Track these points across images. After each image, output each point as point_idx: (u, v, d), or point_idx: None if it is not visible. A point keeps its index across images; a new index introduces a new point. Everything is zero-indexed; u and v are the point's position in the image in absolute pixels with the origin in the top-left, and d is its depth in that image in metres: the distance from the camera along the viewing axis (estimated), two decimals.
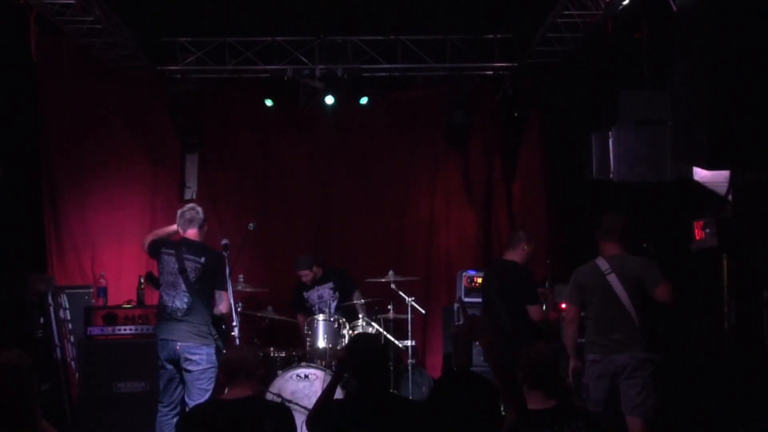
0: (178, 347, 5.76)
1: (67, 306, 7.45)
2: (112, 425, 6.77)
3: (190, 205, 6.27)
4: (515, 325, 6.23)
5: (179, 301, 5.82)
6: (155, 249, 6.03)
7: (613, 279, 5.55)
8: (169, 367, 5.84)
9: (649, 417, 5.46)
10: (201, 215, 6.08)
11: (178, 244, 5.99)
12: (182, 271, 5.83)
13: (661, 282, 5.47)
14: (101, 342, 7.09)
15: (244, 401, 3.96)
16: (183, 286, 5.82)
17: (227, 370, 4.09)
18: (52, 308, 7.17)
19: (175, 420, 5.83)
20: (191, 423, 4.10)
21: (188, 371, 5.76)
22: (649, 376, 5.48)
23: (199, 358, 5.75)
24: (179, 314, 5.80)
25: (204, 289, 5.89)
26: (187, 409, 5.71)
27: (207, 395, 5.73)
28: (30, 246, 7.76)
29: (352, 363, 4.12)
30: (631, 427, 5.46)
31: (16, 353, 3.35)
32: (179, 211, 6.17)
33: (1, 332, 6.36)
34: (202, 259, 5.91)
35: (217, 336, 5.90)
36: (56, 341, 7.16)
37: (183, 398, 5.89)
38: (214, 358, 5.80)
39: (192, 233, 6.02)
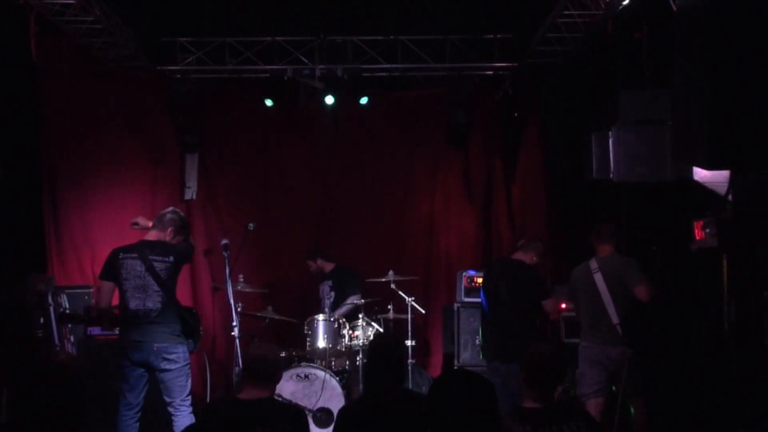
0: (156, 348, 5.73)
1: (67, 306, 7.44)
2: (112, 425, 6.75)
3: (167, 211, 6.15)
4: (525, 322, 6.31)
5: (151, 302, 5.76)
6: (109, 264, 5.88)
7: (598, 277, 6.04)
8: (141, 369, 5.82)
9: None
10: (166, 221, 5.97)
11: (139, 246, 5.90)
12: (151, 271, 5.76)
13: (640, 282, 5.91)
14: (101, 342, 7.08)
15: (261, 402, 3.96)
16: (155, 287, 5.77)
17: (247, 369, 4.06)
18: (52, 308, 7.17)
19: (137, 425, 5.82)
20: (207, 420, 4.07)
21: (167, 371, 5.76)
22: (635, 369, 5.95)
23: (176, 357, 5.79)
24: (153, 315, 5.75)
25: (174, 287, 5.91)
26: (168, 407, 5.81)
27: (187, 390, 5.84)
28: (30, 246, 7.75)
29: (371, 362, 4.12)
30: (635, 404, 6.05)
31: (68, 355, 3.36)
32: (161, 213, 6.12)
33: (1, 332, 6.35)
34: (171, 258, 5.86)
35: (196, 328, 6.00)
36: (56, 341, 7.15)
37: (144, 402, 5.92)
38: (188, 354, 5.89)
39: (152, 234, 5.96)
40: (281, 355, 7.20)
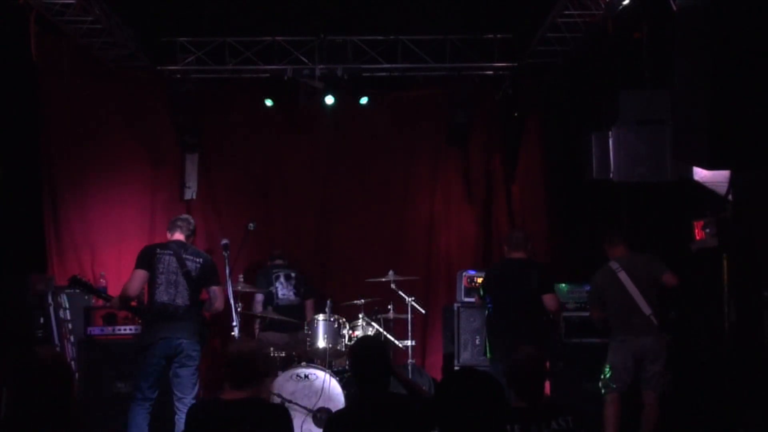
0: (183, 344, 5.91)
1: (67, 306, 7.45)
2: (112, 425, 6.76)
3: (186, 216, 6.44)
4: (537, 319, 6.31)
5: (180, 298, 5.97)
6: (146, 255, 6.06)
7: (623, 275, 6.22)
8: (164, 363, 5.95)
9: (664, 390, 6.16)
10: (192, 226, 6.28)
11: (172, 244, 6.11)
12: (184, 269, 5.99)
13: (666, 270, 6.19)
14: (101, 342, 7.08)
15: (244, 402, 3.94)
16: (184, 284, 5.98)
17: (229, 367, 4.03)
18: (52, 308, 7.17)
19: (149, 417, 5.96)
20: (194, 420, 4.05)
21: (186, 366, 5.93)
22: (665, 356, 6.18)
23: (197, 355, 5.99)
24: (181, 311, 5.94)
25: (200, 289, 6.09)
26: (176, 403, 5.93)
27: (197, 389, 6.05)
28: (30, 246, 7.76)
29: (354, 368, 4.11)
30: (648, 400, 6.17)
31: (52, 351, 3.33)
32: (174, 217, 6.35)
33: (1, 332, 6.36)
34: (200, 260, 6.11)
35: (205, 338, 6.19)
36: (56, 341, 7.16)
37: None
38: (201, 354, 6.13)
39: (180, 236, 6.18)
40: (267, 351, 7.23)
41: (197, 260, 6.09)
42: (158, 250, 6.06)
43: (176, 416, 5.95)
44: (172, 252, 6.03)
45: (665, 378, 6.18)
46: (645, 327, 6.13)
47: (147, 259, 6.03)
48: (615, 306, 6.32)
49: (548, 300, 6.26)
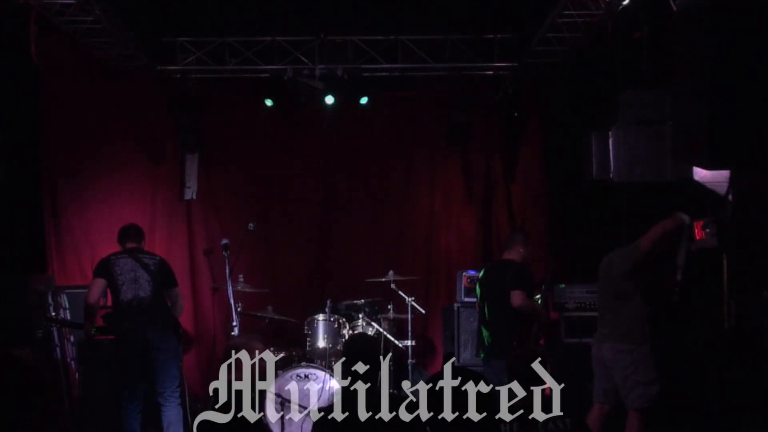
0: (150, 335, 6.05)
1: (67, 306, 7.45)
2: (112, 425, 6.76)
3: (131, 224, 6.62)
4: (512, 319, 6.28)
5: (143, 291, 6.13)
6: (102, 265, 6.25)
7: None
8: (136, 359, 6.07)
9: (638, 408, 5.54)
10: (141, 232, 6.55)
11: (126, 250, 6.32)
12: (141, 265, 6.18)
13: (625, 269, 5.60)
14: (101, 342, 7.07)
15: None
16: (146, 277, 6.17)
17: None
18: (52, 308, 7.18)
19: (140, 416, 6.11)
20: None
21: (157, 359, 6.07)
22: (628, 367, 5.57)
23: (167, 346, 6.12)
24: (145, 303, 6.10)
25: (162, 284, 6.26)
26: (160, 399, 6.08)
27: (177, 382, 6.17)
28: (30, 246, 7.76)
29: (345, 363, 4.14)
30: (628, 417, 5.61)
31: (27, 350, 3.31)
32: (121, 229, 6.49)
33: (1, 332, 6.37)
34: (158, 258, 6.37)
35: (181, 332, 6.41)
36: (56, 341, 7.16)
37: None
38: (178, 347, 6.26)
39: (132, 245, 6.37)
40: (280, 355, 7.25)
41: (155, 258, 6.33)
42: (112, 258, 6.26)
43: (161, 410, 6.02)
44: (126, 254, 6.25)
45: (635, 393, 5.56)
46: (610, 332, 5.69)
47: (102, 268, 6.23)
48: (599, 301, 5.96)
49: (513, 296, 6.18)
